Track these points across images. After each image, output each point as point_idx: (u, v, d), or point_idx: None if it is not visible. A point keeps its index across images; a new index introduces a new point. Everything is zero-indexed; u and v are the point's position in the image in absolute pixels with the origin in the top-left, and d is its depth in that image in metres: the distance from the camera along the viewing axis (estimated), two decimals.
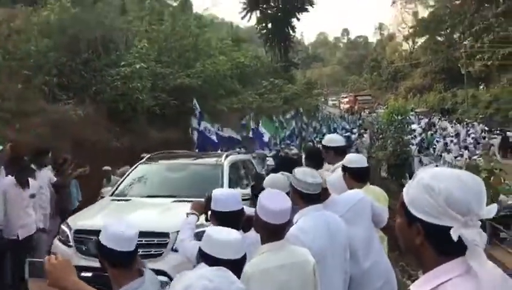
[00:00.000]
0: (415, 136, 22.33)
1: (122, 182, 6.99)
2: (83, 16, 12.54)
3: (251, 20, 43.28)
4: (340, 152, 4.42)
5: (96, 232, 2.56)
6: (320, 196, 2.98)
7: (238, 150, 11.40)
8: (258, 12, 42.32)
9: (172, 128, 13.86)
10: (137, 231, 2.25)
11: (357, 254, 3.12)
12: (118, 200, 6.33)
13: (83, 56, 12.22)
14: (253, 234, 2.88)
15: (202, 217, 3.32)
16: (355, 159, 3.87)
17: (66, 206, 7.46)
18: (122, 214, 5.60)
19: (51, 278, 1.96)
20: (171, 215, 5.23)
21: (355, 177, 3.72)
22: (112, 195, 6.59)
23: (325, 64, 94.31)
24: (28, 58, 11.17)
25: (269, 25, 42.11)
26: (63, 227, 5.62)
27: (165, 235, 5.08)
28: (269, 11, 42.28)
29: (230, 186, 6.22)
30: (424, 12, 64.67)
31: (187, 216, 3.35)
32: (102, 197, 6.77)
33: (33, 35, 11.93)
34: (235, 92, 19.22)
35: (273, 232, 2.47)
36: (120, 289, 2.16)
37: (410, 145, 16.88)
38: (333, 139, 4.71)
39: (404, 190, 1.41)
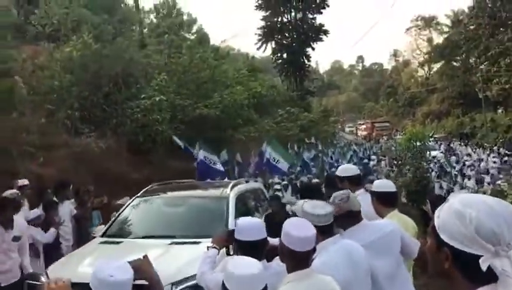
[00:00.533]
0: (435, 162, 22.06)
1: (116, 218, 6.28)
2: (103, 51, 12.91)
3: (267, 51, 43.89)
4: (355, 181, 4.42)
5: (78, 285, 2.43)
6: (333, 226, 2.94)
7: (246, 178, 10.64)
8: (273, 43, 42.92)
9: (191, 158, 13.99)
10: (131, 276, 2.06)
11: (382, 286, 3.08)
12: (108, 242, 5.57)
13: (104, 90, 12.52)
14: (275, 264, 2.88)
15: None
16: (383, 184, 3.91)
17: (88, 237, 7.54)
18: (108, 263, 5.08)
19: (139, 273, 2.11)
20: (167, 263, 4.55)
21: (384, 201, 3.73)
22: (103, 235, 5.87)
23: (340, 91, 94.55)
24: (51, 93, 11.51)
25: (284, 55, 42.58)
26: (42, 278, 4.90)
27: None
28: (284, 42, 42.84)
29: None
30: (438, 39, 64.84)
31: (207, 249, 3.36)
32: (94, 237, 6.04)
33: (56, 71, 12.32)
34: (252, 121, 19.37)
35: (299, 260, 2.46)
36: None
37: (430, 171, 16.68)
38: (347, 169, 4.69)
39: (436, 213, 1.41)
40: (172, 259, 4.68)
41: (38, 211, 6.49)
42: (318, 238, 2.72)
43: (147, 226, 6.09)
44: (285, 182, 12.90)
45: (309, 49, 42.85)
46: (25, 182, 7.01)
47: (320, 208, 2.88)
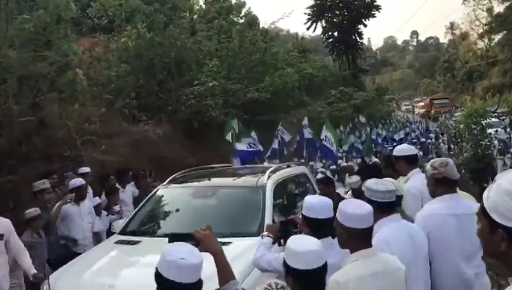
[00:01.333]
0: (497, 138, 21.05)
1: (138, 212, 5.47)
2: (156, 39, 13.22)
3: (317, 30, 43.23)
4: (411, 161, 4.34)
5: None
6: (395, 205, 2.96)
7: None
8: (323, 21, 42.18)
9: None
10: (201, 260, 1.99)
11: (458, 264, 3.06)
12: (124, 242, 4.75)
13: (158, 78, 12.87)
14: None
15: None
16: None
17: None
18: (120, 271, 4.27)
19: (204, 245, 2.29)
20: None
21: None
22: (121, 232, 5.09)
23: (395, 68, 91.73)
24: (109, 83, 11.97)
25: (335, 34, 41.79)
26: (44, 287, 4.13)
27: None
28: (335, 20, 42.00)
29: (277, 217, 4.73)
30: (499, 8, 61.14)
31: (262, 237, 3.42)
32: (113, 233, 5.32)
33: (112, 62, 12.78)
34: (303, 103, 19.26)
35: (360, 238, 2.46)
36: None
37: (492, 148, 15.93)
38: (403, 149, 4.60)
39: (484, 195, 1.37)
40: None
41: (98, 199, 6.78)
42: (378, 215, 2.73)
43: (170, 222, 5.23)
44: (333, 167, 12.25)
45: (361, 26, 41.82)
46: (86, 169, 7.34)
47: (383, 185, 2.91)
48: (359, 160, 13.88)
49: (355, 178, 6.61)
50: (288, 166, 6.76)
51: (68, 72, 8.71)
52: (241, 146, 10.60)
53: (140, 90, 12.37)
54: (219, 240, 4.03)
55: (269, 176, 5.25)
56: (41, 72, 7.80)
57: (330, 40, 42.18)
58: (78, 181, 6.18)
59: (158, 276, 1.93)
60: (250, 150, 10.67)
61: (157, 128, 11.39)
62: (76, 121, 9.33)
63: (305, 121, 13.40)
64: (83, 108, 9.88)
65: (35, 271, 4.63)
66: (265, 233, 3.45)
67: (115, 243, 4.76)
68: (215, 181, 5.85)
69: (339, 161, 13.55)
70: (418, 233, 2.92)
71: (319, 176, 8.50)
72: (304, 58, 25.06)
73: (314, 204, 3.00)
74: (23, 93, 7.73)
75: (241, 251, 3.88)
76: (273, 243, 3.42)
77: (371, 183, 2.94)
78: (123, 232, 5.05)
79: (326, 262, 2.24)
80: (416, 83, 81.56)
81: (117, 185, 7.30)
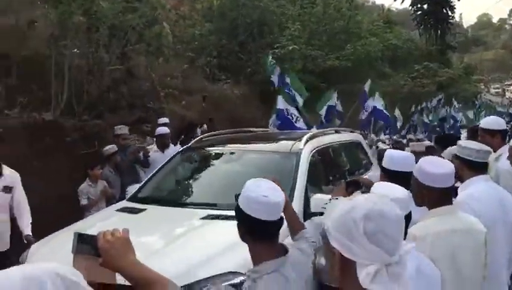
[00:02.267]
0: None
1: (153, 176, 4.82)
2: (241, 0, 13.25)
3: (404, 3, 41.17)
4: (504, 136, 3.99)
5: None
6: (487, 166, 2.82)
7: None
8: None
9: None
10: (283, 199, 1.92)
11: None
12: (127, 210, 4.10)
13: (240, 39, 12.96)
14: None
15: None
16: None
17: None
18: None
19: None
20: (189, 249, 3.17)
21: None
22: (131, 198, 4.51)
23: (487, 48, 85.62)
24: (192, 41, 12.24)
25: (425, 6, 39.56)
26: (24, 254, 3.65)
27: None
28: None
29: (311, 189, 4.00)
30: None
31: (330, 201, 3.36)
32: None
33: (197, 21, 13.01)
34: (385, 75, 18.60)
35: (440, 197, 2.36)
36: (257, 266, 1.85)
37: None
38: (496, 122, 4.08)
39: None
40: (198, 242, 3.26)
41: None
42: (468, 174, 2.63)
43: (186, 189, 4.67)
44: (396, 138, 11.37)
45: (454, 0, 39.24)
46: (166, 120, 7.63)
47: (477, 144, 2.85)
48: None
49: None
50: (337, 132, 5.91)
51: (155, 26, 8.99)
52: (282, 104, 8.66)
53: (221, 49, 12.56)
54: (231, 215, 3.19)
55: (307, 141, 4.48)
56: (131, 23, 8.11)
57: (419, 12, 40.02)
58: (163, 129, 6.46)
59: (238, 210, 1.90)
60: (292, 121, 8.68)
61: (235, 89, 11.55)
62: (160, 74, 9.68)
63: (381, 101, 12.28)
64: (167, 63, 10.20)
65: (30, 233, 4.15)
66: (333, 197, 3.41)
67: (116, 210, 4.09)
68: (245, 145, 5.07)
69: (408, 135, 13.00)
70: (509, 198, 2.76)
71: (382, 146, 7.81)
72: (389, 29, 24.05)
73: (397, 157, 2.94)
74: (113, 43, 8.10)
75: None
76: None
77: (465, 142, 2.87)
78: (133, 198, 4.44)
79: (410, 212, 2.17)
80: (510, 65, 75.74)
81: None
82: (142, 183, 4.77)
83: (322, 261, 2.05)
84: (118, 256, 1.46)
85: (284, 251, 1.90)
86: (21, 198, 4.32)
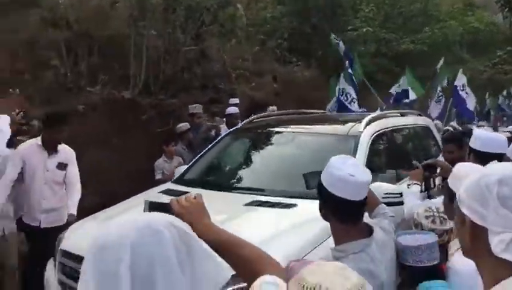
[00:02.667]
0: None
1: (200, 157, 4.59)
2: None
3: None
4: None
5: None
6: None
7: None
8: None
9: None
10: (370, 178, 1.81)
11: None
12: (170, 192, 3.77)
13: (312, 21, 12.78)
14: None
15: None
16: None
17: None
18: None
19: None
20: None
21: None
22: (175, 180, 4.31)
23: None
24: (264, 24, 12.25)
25: None
26: (57, 240, 3.50)
27: None
28: None
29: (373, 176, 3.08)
30: None
31: (408, 187, 3.24)
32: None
33: (269, 3, 12.98)
34: (463, 60, 17.64)
35: None
36: (341, 245, 1.78)
37: None
38: None
39: None
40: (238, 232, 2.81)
41: None
42: None
43: (233, 172, 4.41)
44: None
45: None
46: (236, 100, 7.73)
47: None
48: None
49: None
50: (403, 115, 5.44)
51: (229, 7, 9.08)
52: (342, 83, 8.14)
53: (292, 32, 12.45)
54: (281, 201, 3.22)
55: (368, 124, 4.11)
56: (206, 4, 8.24)
57: None
58: (232, 109, 6.58)
59: (321, 188, 1.81)
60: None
61: (305, 72, 11.46)
62: (232, 56, 9.79)
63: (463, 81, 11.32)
64: (239, 45, 10.29)
65: (75, 213, 4.14)
66: (410, 182, 3.29)
67: (158, 192, 3.86)
68: (298, 127, 4.66)
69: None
70: None
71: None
72: (470, 11, 22.68)
73: (488, 138, 2.83)
74: (189, 24, 8.28)
75: (310, 217, 2.73)
76: (421, 191, 3.16)
77: None
78: (178, 180, 4.25)
79: None
80: None
81: None
82: (189, 164, 4.59)
83: (402, 239, 1.98)
84: (193, 221, 1.40)
85: (369, 230, 1.83)
86: (73, 176, 4.32)
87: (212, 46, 9.29)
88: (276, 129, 4.67)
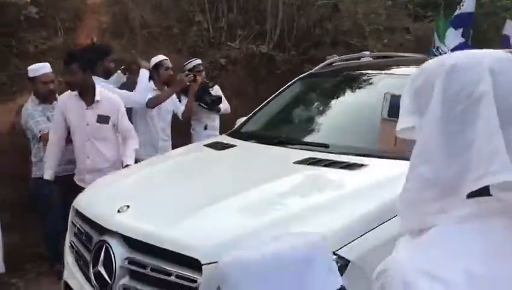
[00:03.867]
0: None
1: (264, 107, 3.99)
2: None
3: None
4: None
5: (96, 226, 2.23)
6: None
7: None
8: None
9: None
10: None
11: None
12: (215, 146, 3.29)
13: None
14: None
15: None
16: None
17: None
18: (171, 186, 2.70)
19: None
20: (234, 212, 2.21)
21: None
22: (230, 133, 3.75)
23: None
24: None
25: None
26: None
27: (193, 265, 1.91)
28: None
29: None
30: None
31: None
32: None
33: None
34: None
35: None
36: None
37: None
38: None
39: None
40: (249, 207, 2.24)
41: None
42: None
43: (297, 123, 3.79)
44: None
45: None
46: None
47: None
48: None
49: None
50: None
51: None
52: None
53: None
54: (344, 160, 2.54)
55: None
56: None
57: None
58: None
59: None
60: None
61: None
62: (364, 12, 9.53)
63: None
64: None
65: (131, 164, 3.69)
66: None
67: (204, 145, 3.41)
68: (384, 70, 3.72)
69: None
70: None
71: None
72: None
73: None
74: None
75: (379, 180, 2.31)
76: None
77: None
78: (234, 133, 3.72)
79: None
80: None
81: None
82: (250, 114, 3.97)
83: None
84: None
85: None
86: (124, 129, 3.88)
87: (344, 1, 9.15)
88: (356, 73, 3.84)
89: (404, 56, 4.44)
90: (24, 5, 5.45)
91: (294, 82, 4.06)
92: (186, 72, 5.19)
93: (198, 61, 5.59)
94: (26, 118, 4.13)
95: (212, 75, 6.66)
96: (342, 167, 2.51)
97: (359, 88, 3.66)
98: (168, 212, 2.22)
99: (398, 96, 1.36)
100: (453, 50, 7.04)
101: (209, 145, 3.33)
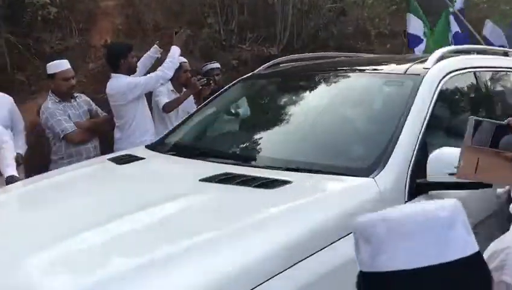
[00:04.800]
0: None
1: (197, 111, 3.54)
2: None
3: None
4: None
5: None
6: None
7: None
8: None
9: None
10: None
11: None
12: (125, 159, 2.76)
13: None
14: None
15: None
16: None
17: None
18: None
19: None
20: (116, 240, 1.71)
21: None
22: (148, 146, 3.15)
23: None
24: None
25: None
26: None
27: None
28: None
29: (434, 138, 2.38)
30: None
31: None
32: None
33: None
34: None
35: None
36: None
37: None
38: None
39: None
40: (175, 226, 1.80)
41: None
42: None
43: (223, 133, 3.31)
44: None
45: None
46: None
47: None
48: None
49: None
50: (506, 54, 3.63)
51: None
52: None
53: None
54: (281, 176, 2.08)
55: (437, 61, 2.63)
56: None
57: None
58: None
59: None
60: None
61: None
62: (369, 16, 9.69)
63: None
64: (376, 2, 10.16)
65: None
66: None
67: (109, 159, 2.88)
68: (333, 70, 3.19)
69: None
70: None
71: None
72: None
73: None
74: None
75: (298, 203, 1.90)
76: None
77: None
78: (155, 145, 3.14)
79: None
80: None
81: None
82: (175, 125, 3.50)
83: None
84: None
85: None
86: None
87: (350, 4, 9.32)
88: (304, 74, 3.39)
89: (358, 56, 4.22)
90: (44, 4, 5.49)
91: (234, 84, 3.53)
92: (199, 76, 5.24)
93: (216, 64, 5.64)
94: (47, 116, 4.15)
95: (224, 76, 6.77)
96: (257, 186, 2.00)
97: (303, 91, 3.14)
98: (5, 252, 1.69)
99: (482, 122, 1.41)
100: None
101: (113, 159, 2.81)
